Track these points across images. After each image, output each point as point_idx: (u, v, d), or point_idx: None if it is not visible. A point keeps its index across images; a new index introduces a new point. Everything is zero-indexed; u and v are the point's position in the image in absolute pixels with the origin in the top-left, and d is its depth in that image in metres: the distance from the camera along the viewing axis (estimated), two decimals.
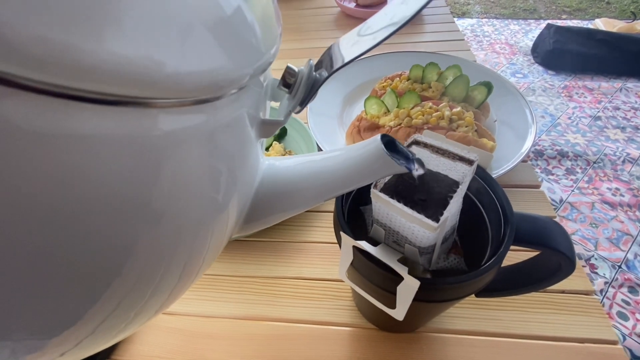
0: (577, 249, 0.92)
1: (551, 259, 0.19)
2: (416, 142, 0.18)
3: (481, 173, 0.21)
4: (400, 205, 0.16)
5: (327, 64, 0.15)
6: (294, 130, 0.45)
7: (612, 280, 0.85)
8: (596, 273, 0.87)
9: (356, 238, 0.18)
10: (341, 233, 0.18)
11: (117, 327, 0.13)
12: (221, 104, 0.11)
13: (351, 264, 0.19)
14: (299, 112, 0.15)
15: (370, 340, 0.29)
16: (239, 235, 0.33)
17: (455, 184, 0.17)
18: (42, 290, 0.09)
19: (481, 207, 0.21)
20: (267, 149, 0.43)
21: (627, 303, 0.81)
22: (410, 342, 0.28)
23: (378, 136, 0.15)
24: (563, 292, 0.30)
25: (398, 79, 0.45)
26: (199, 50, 0.10)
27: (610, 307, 0.81)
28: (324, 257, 0.34)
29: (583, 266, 0.88)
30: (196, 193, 0.12)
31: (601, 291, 0.84)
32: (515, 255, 0.23)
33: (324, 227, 0.36)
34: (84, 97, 0.08)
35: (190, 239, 0.13)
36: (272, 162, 0.17)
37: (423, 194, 0.17)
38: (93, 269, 0.10)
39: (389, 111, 0.41)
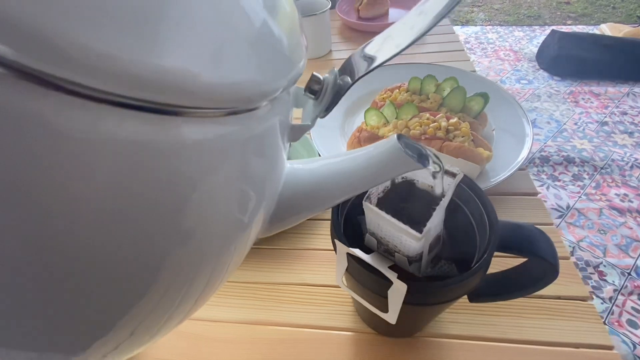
0: (585, 255, 0.91)
1: (536, 266, 0.20)
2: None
3: (469, 183, 0.22)
4: (389, 217, 0.17)
5: (350, 71, 0.16)
6: (297, 142, 0.46)
7: (622, 288, 0.84)
8: (605, 280, 0.86)
9: (353, 246, 0.19)
10: (336, 241, 0.19)
11: (150, 331, 0.13)
12: (256, 114, 0.12)
13: (346, 270, 0.20)
14: (323, 117, 0.16)
15: (370, 345, 0.30)
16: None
17: (439, 197, 0.18)
18: (78, 301, 0.10)
19: (470, 216, 0.22)
20: None
21: (638, 311, 0.80)
22: (408, 346, 0.29)
23: (394, 136, 0.16)
24: (559, 297, 0.31)
25: (397, 90, 0.47)
26: (233, 63, 0.10)
27: (620, 315, 0.80)
28: (326, 264, 0.35)
29: (591, 273, 0.88)
30: (229, 199, 0.12)
31: (610, 299, 0.83)
32: (510, 262, 0.24)
33: (325, 234, 0.38)
34: (123, 103, 0.08)
35: (219, 247, 0.13)
36: (294, 166, 0.18)
37: (410, 206, 0.18)
38: (128, 272, 0.10)
39: (388, 122, 0.43)
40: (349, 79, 0.16)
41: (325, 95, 0.16)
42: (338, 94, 0.16)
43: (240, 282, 0.35)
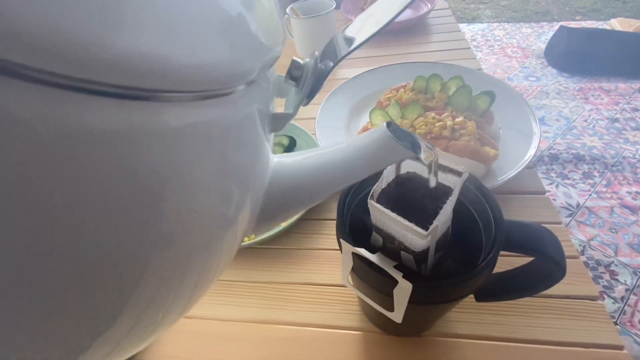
0: (596, 255, 0.90)
1: (543, 265, 0.20)
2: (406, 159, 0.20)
3: (475, 182, 0.22)
4: (394, 215, 0.17)
5: (331, 55, 0.15)
6: (302, 142, 0.47)
7: (634, 287, 0.83)
8: (616, 280, 0.85)
9: (359, 245, 0.19)
10: (341, 240, 0.19)
11: (147, 330, 0.13)
12: (232, 99, 0.12)
13: (352, 269, 0.21)
14: (306, 104, 0.16)
15: (376, 344, 0.30)
16: (252, 240, 0.35)
17: (445, 195, 0.18)
18: (63, 302, 0.09)
19: (476, 215, 0.22)
20: None
21: None
22: (415, 345, 0.29)
23: (384, 123, 0.15)
24: (568, 297, 0.31)
25: (403, 90, 0.47)
26: (205, 44, 0.10)
27: (632, 314, 0.78)
28: (332, 264, 0.35)
29: (602, 273, 0.86)
30: (211, 191, 0.12)
31: (622, 298, 0.81)
32: (517, 261, 0.24)
33: (331, 234, 0.38)
34: (91, 89, 0.08)
35: (205, 240, 0.13)
36: (281, 159, 0.18)
37: (416, 204, 0.18)
38: (112, 267, 0.10)
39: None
40: (330, 62, 0.15)
41: (307, 80, 0.15)
42: (319, 78, 0.15)
43: (247, 282, 0.35)
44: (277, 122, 0.16)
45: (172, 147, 0.10)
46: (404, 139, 0.15)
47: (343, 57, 0.15)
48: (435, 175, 0.18)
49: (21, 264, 0.08)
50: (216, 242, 0.13)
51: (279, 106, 0.17)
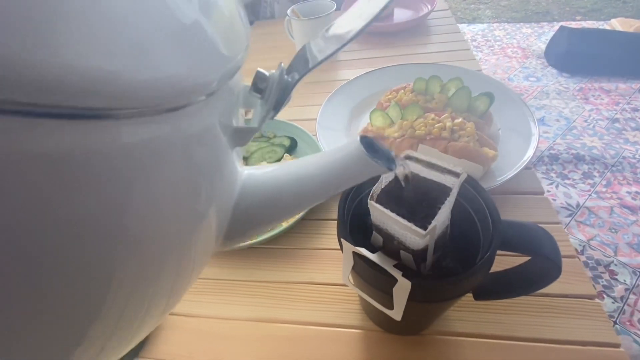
0: (596, 254, 0.90)
1: (539, 264, 0.21)
2: (409, 157, 0.20)
3: (473, 183, 0.22)
4: (394, 215, 0.18)
5: (300, 66, 0.15)
6: (304, 143, 0.47)
7: (633, 287, 0.83)
8: (616, 279, 0.85)
9: (360, 245, 0.20)
10: (342, 240, 0.20)
11: (128, 333, 0.13)
12: (189, 112, 0.11)
13: (353, 268, 0.21)
14: (272, 117, 0.15)
15: (377, 342, 0.30)
16: (255, 240, 0.35)
17: (444, 195, 0.19)
18: (42, 312, 0.09)
19: (474, 215, 0.23)
20: (278, 160, 0.45)
21: None
22: (415, 343, 0.30)
23: (357, 137, 0.15)
24: (565, 296, 0.31)
25: (403, 91, 0.47)
26: (157, 57, 0.10)
27: (632, 314, 0.79)
28: (334, 263, 0.36)
29: (602, 273, 0.86)
30: (171, 206, 0.12)
31: (621, 298, 0.81)
32: (515, 261, 0.25)
33: (333, 234, 0.38)
34: (38, 112, 0.07)
35: (169, 255, 0.12)
36: (252, 172, 0.17)
37: (415, 204, 0.19)
38: (81, 287, 0.10)
39: (393, 123, 0.43)
40: (296, 74, 0.15)
41: (272, 93, 0.15)
42: (285, 91, 0.15)
43: (249, 281, 0.35)
44: (241, 135, 0.15)
45: (127, 164, 0.10)
46: (377, 154, 0.15)
47: (311, 69, 0.14)
48: (409, 188, 0.19)
49: None
50: (179, 257, 0.13)
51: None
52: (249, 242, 0.36)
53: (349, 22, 0.14)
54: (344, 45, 0.13)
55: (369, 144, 0.15)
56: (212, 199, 0.14)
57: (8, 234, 0.08)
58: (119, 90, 0.09)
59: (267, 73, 0.15)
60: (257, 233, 0.18)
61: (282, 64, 0.15)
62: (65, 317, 0.10)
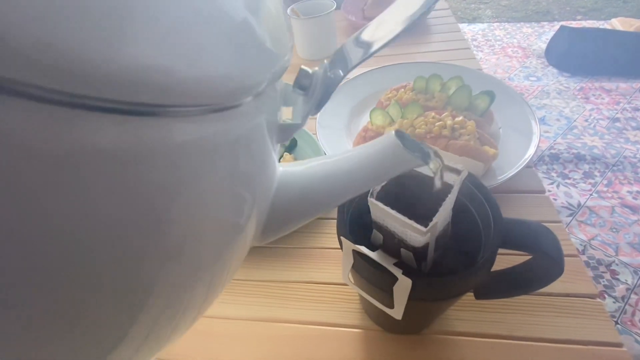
0: (597, 254, 0.90)
1: (541, 262, 0.20)
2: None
3: (474, 181, 0.22)
4: (394, 212, 0.18)
5: (341, 63, 0.15)
6: (303, 142, 0.47)
7: (635, 287, 0.83)
8: (617, 279, 0.85)
9: (360, 243, 0.19)
10: (342, 238, 0.20)
11: (161, 337, 0.13)
12: (240, 112, 0.11)
13: (352, 266, 0.21)
14: (315, 114, 0.15)
15: (377, 341, 0.30)
16: (258, 244, 0.35)
17: (445, 193, 0.18)
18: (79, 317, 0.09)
19: (475, 213, 0.22)
20: (278, 160, 0.45)
21: None
22: (415, 343, 0.29)
23: (392, 132, 0.15)
24: (567, 295, 0.31)
25: (403, 89, 0.47)
26: (210, 56, 0.10)
27: (633, 314, 0.78)
28: (333, 262, 0.36)
29: (603, 272, 0.86)
30: (218, 205, 0.12)
31: (623, 298, 0.81)
32: (516, 260, 0.24)
33: (333, 233, 0.38)
34: (93, 106, 0.07)
35: (213, 253, 0.13)
36: (286, 169, 0.17)
37: (415, 201, 0.19)
38: (125, 287, 0.10)
39: (393, 122, 0.43)
40: (340, 71, 0.15)
41: (316, 90, 0.15)
42: (329, 88, 0.15)
43: (248, 280, 0.35)
44: (285, 132, 0.15)
45: (178, 163, 0.10)
46: (413, 148, 0.15)
47: (355, 66, 0.14)
48: (441, 180, 0.19)
49: (28, 283, 0.08)
50: (223, 255, 0.13)
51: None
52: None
53: (393, 18, 0.14)
54: (391, 40, 0.13)
55: (403, 137, 0.15)
56: (256, 195, 0.14)
57: (54, 227, 0.08)
58: (172, 86, 0.08)
59: (310, 70, 0.15)
60: (293, 228, 0.18)
61: (326, 61, 0.15)
62: (102, 320, 0.10)
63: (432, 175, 0.18)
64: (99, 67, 0.07)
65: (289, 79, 0.14)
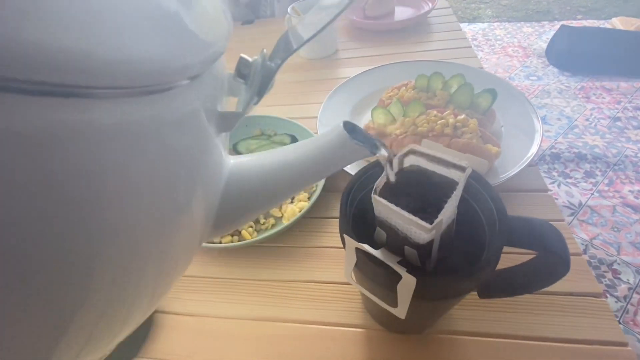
0: (599, 253, 0.90)
1: (546, 260, 0.20)
2: (413, 152, 0.20)
3: (478, 179, 0.22)
4: (398, 209, 0.17)
5: (281, 52, 0.15)
6: None
7: (637, 286, 0.82)
8: (619, 279, 0.84)
9: (363, 242, 0.19)
10: (345, 236, 0.19)
11: (112, 330, 0.13)
12: (171, 95, 0.11)
13: (355, 265, 0.21)
14: (256, 103, 0.15)
15: (379, 341, 0.30)
16: (255, 238, 0.35)
17: (449, 189, 0.18)
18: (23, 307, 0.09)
19: (479, 211, 0.22)
20: None
21: None
22: (418, 343, 0.29)
23: (340, 122, 0.16)
24: (571, 294, 0.31)
25: (404, 88, 0.47)
26: (134, 38, 0.10)
27: (635, 313, 0.78)
28: (335, 261, 0.36)
29: (605, 272, 0.86)
30: (152, 193, 0.11)
31: (625, 297, 0.81)
32: (520, 259, 0.24)
33: (334, 232, 0.38)
34: (11, 87, 0.07)
35: (151, 245, 0.12)
36: (239, 160, 0.17)
37: (419, 198, 0.18)
38: (58, 278, 0.09)
39: (395, 120, 0.43)
40: (278, 60, 0.15)
41: (255, 78, 0.15)
42: (267, 76, 0.15)
43: (250, 280, 0.35)
44: (226, 120, 0.15)
45: (106, 145, 0.09)
46: (361, 138, 0.16)
47: (290, 54, 0.15)
48: (392, 173, 0.19)
49: None
50: (165, 245, 0.13)
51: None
52: (250, 239, 0.36)
53: (330, 2, 0.14)
54: (327, 23, 0.14)
55: (351, 129, 0.16)
56: (196, 186, 0.14)
57: None
58: (95, 68, 0.08)
59: (250, 59, 0.15)
60: (247, 220, 0.18)
61: (265, 50, 0.15)
62: (44, 310, 0.10)
63: (436, 172, 0.18)
64: (17, 47, 0.07)
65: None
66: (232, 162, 0.17)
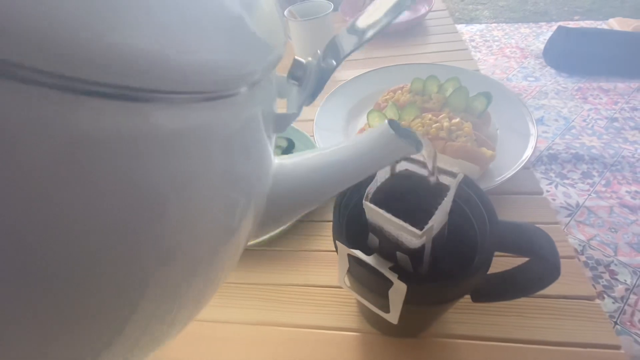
0: (596, 254, 0.90)
1: (537, 265, 0.20)
2: (405, 158, 0.20)
3: (469, 183, 0.22)
4: (389, 215, 0.18)
5: (334, 53, 0.15)
6: (301, 144, 0.47)
7: (634, 287, 0.83)
8: (616, 279, 0.85)
9: (356, 247, 0.19)
10: (337, 242, 0.20)
11: (154, 339, 0.13)
12: (235, 101, 0.11)
13: (348, 270, 0.21)
14: (309, 104, 0.15)
15: (374, 345, 0.30)
16: (250, 242, 0.35)
17: (441, 195, 0.18)
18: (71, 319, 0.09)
19: (471, 216, 0.22)
20: None
21: None
22: (413, 346, 0.29)
23: (385, 121, 0.16)
24: (565, 297, 0.31)
25: (400, 91, 0.47)
26: (207, 43, 0.10)
27: (632, 314, 0.78)
28: (330, 265, 0.36)
29: (602, 272, 0.86)
30: (214, 197, 0.11)
31: (622, 298, 0.81)
32: (514, 262, 0.24)
33: (330, 236, 0.38)
34: (83, 89, 0.07)
35: (209, 247, 0.12)
36: (282, 161, 0.17)
37: (411, 203, 0.18)
38: (114, 284, 0.09)
39: None
40: (333, 61, 0.15)
41: (310, 80, 0.15)
42: (322, 77, 0.15)
43: (244, 283, 0.35)
44: (281, 122, 0.15)
45: (171, 151, 0.09)
46: (405, 136, 0.16)
47: (346, 56, 0.14)
48: (435, 171, 0.19)
49: (22, 278, 0.07)
50: (220, 249, 0.13)
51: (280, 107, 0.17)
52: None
53: (384, 6, 0.14)
54: (379, 31, 0.14)
55: (395, 126, 0.16)
56: (253, 187, 0.14)
57: (45, 220, 0.07)
58: (168, 72, 0.08)
59: (304, 61, 0.15)
60: (290, 220, 0.18)
61: (319, 51, 0.15)
62: (92, 320, 0.09)
63: (426, 167, 0.18)
64: (92, 49, 0.07)
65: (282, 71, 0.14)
66: (277, 162, 0.17)
